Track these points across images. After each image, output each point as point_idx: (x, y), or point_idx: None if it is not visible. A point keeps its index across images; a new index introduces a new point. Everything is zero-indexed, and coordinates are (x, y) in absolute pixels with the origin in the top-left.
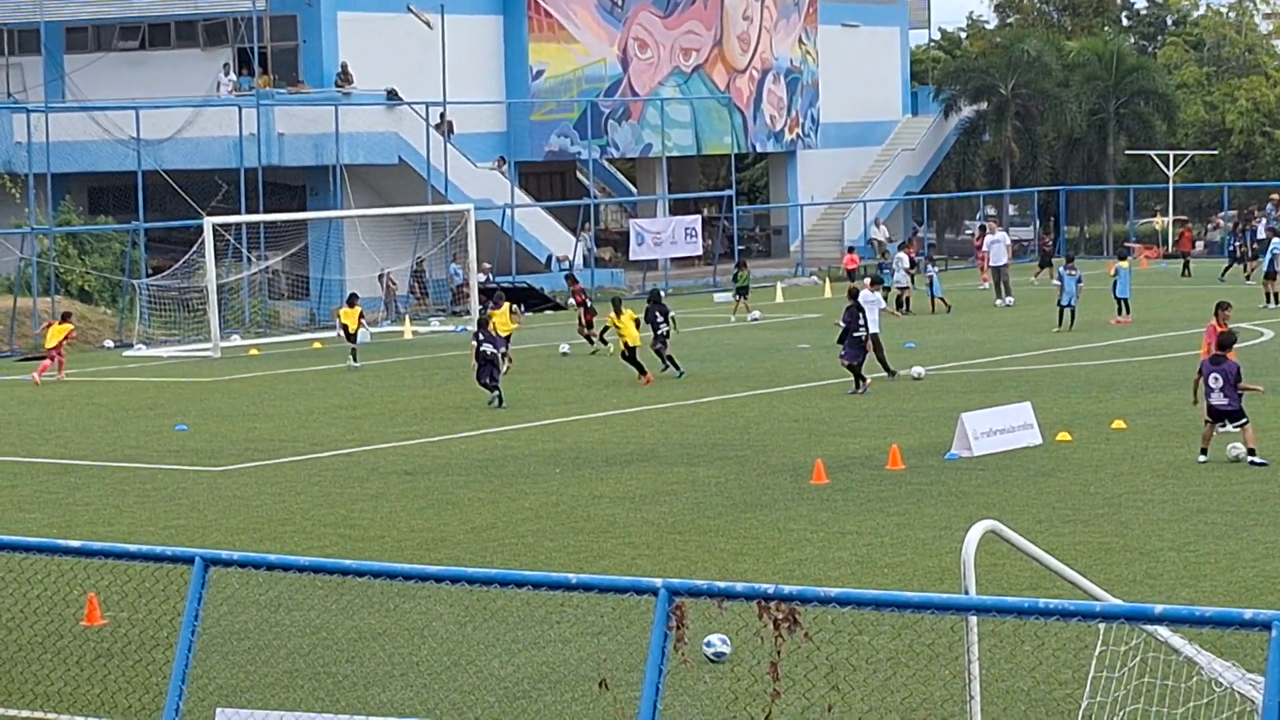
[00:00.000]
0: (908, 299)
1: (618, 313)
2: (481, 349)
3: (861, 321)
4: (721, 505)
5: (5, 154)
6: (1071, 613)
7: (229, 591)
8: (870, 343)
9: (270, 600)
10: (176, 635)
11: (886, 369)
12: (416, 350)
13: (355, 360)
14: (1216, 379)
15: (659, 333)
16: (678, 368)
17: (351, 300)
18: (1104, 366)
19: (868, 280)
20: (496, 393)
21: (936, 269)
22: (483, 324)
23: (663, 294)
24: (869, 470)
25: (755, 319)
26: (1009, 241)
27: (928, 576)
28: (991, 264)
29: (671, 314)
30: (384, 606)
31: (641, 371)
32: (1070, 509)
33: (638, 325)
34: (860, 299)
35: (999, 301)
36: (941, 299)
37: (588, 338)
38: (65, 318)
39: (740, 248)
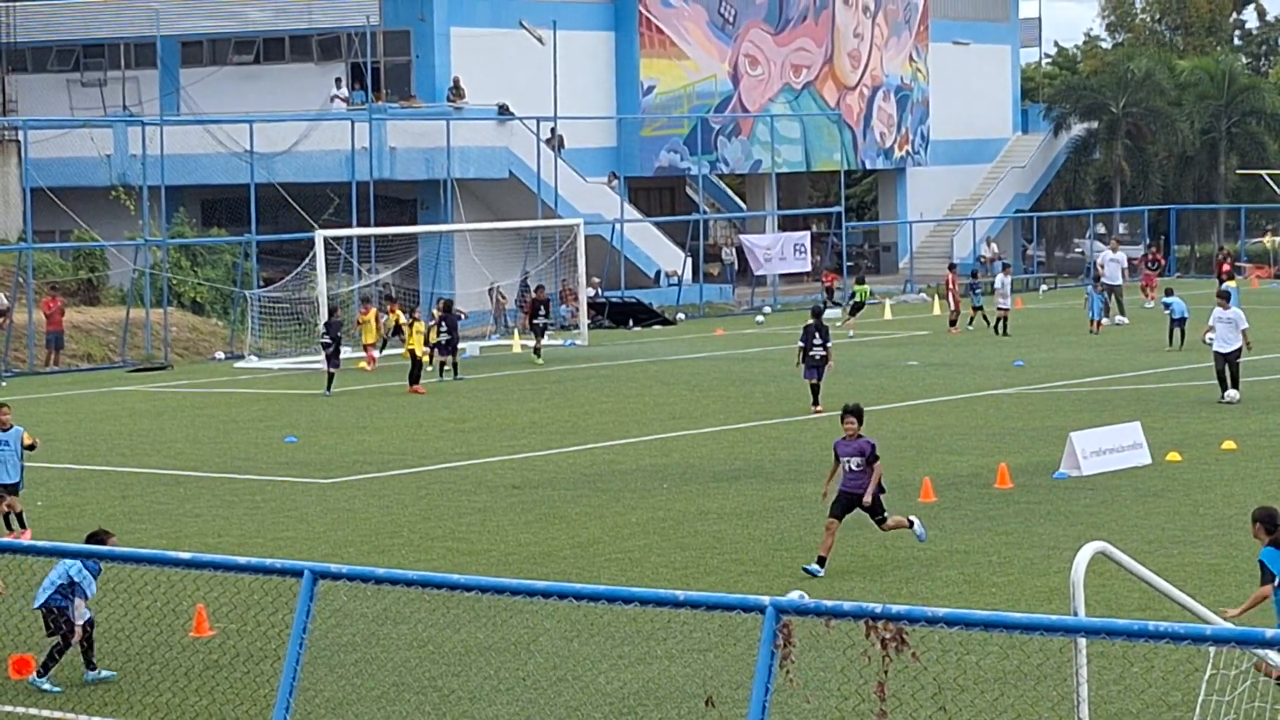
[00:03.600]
0: (1005, 318)
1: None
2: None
3: (817, 341)
4: None
5: (121, 166)
6: (1181, 636)
7: (337, 604)
8: (1227, 362)
9: (378, 613)
10: (284, 647)
11: (1222, 388)
12: (524, 364)
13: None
14: (857, 462)
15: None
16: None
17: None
18: (1214, 386)
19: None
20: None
21: (1097, 290)
22: (334, 310)
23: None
24: (977, 489)
25: (850, 336)
26: (1125, 262)
27: (1036, 596)
28: (1105, 282)
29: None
30: (491, 620)
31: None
32: (1180, 530)
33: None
34: (1215, 317)
35: (1108, 320)
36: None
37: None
38: (392, 301)
39: (849, 264)
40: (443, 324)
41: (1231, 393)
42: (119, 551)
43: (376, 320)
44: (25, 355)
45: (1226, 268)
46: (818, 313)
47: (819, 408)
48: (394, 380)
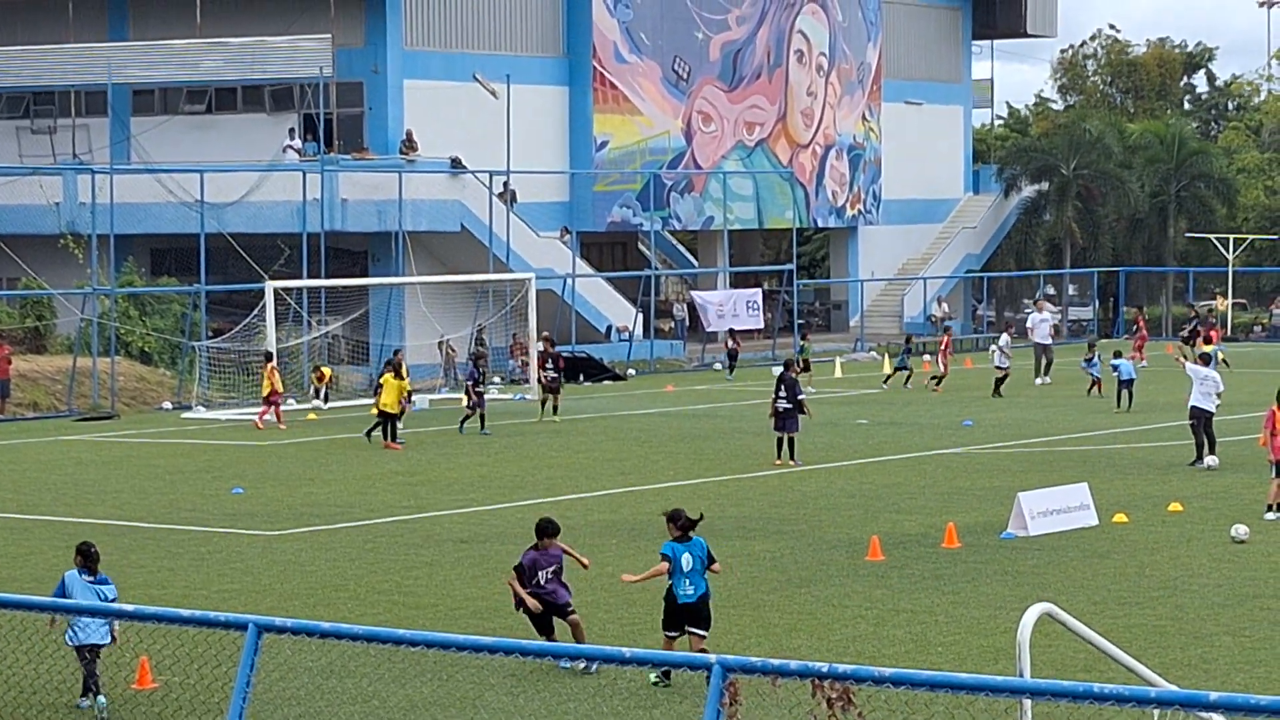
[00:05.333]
0: (1002, 379)
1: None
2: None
3: (782, 394)
4: (776, 580)
5: (70, 214)
6: (1126, 698)
7: (281, 657)
8: (1199, 419)
9: (323, 667)
10: (228, 701)
11: (1198, 454)
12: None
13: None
14: (551, 576)
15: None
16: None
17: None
18: (1162, 448)
19: (1194, 359)
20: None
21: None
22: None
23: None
24: (924, 548)
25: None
26: (1054, 321)
27: (982, 656)
28: (1036, 340)
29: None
30: (437, 675)
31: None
32: (1126, 591)
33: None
34: (1191, 372)
35: (1037, 380)
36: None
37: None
38: (270, 359)
39: (800, 322)
40: (478, 368)
41: (1212, 457)
42: (64, 603)
43: (273, 375)
44: None
45: (1215, 335)
46: (788, 365)
47: (780, 461)
48: (342, 433)
